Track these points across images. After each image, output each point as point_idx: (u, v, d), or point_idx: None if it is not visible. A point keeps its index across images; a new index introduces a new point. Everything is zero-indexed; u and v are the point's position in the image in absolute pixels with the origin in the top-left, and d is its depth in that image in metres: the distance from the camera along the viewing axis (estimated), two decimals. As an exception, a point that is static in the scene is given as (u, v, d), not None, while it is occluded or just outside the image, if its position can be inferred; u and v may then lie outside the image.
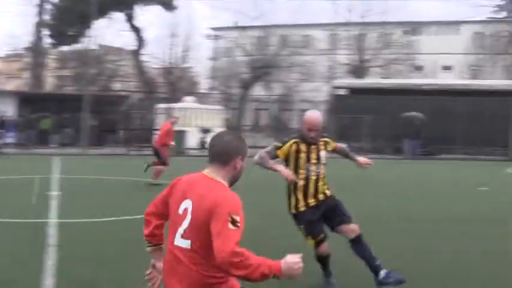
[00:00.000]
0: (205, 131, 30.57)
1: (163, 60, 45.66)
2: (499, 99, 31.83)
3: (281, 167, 5.64)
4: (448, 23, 57.00)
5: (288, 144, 5.72)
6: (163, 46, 45.72)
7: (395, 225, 9.77)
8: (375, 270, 5.60)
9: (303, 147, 5.72)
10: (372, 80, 42.54)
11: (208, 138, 3.49)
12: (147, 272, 3.39)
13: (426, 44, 52.29)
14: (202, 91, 50.30)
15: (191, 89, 47.01)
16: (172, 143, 14.53)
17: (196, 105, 35.28)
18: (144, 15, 63.17)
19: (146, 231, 3.36)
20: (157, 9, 53.93)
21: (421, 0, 72.89)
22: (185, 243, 3.02)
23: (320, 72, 47.99)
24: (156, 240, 3.38)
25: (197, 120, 33.11)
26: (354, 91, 36.40)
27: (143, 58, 45.92)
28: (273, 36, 47.83)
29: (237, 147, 3.16)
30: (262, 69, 45.38)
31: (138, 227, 3.75)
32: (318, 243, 5.66)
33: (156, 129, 24.19)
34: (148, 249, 3.40)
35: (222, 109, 39.59)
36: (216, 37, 56.05)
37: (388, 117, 31.20)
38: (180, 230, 3.05)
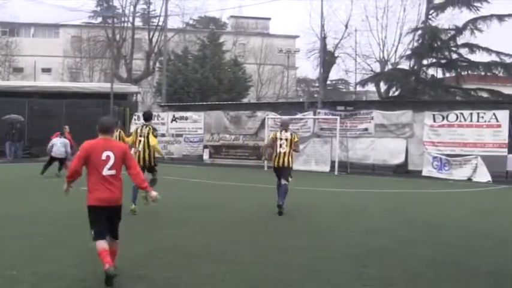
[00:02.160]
0: None
1: None
2: (96, 101, 33.86)
3: None
4: (47, 26, 57.64)
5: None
6: None
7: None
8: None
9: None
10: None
11: None
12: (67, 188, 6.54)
13: (25, 46, 51.93)
14: None
15: None
16: None
17: None
18: None
19: (76, 175, 6.33)
20: None
21: (19, 1, 71.87)
22: (112, 172, 6.21)
23: None
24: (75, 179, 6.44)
25: None
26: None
27: None
28: None
29: (113, 124, 6.95)
30: None
31: None
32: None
33: None
34: (71, 184, 6.48)
35: None
36: None
37: (-12, 120, 30.19)
38: (107, 166, 6.18)
